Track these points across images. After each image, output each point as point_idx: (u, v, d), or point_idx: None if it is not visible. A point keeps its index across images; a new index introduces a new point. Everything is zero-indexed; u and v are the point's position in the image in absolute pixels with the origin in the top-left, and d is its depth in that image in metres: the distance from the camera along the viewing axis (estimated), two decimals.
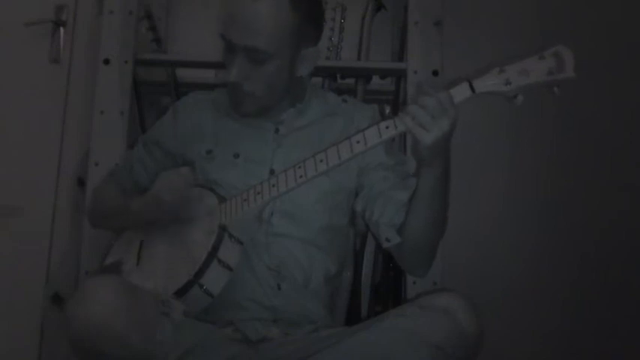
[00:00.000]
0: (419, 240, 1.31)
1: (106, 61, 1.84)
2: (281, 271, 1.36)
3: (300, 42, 1.35)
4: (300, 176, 1.27)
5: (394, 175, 1.39)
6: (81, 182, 2.02)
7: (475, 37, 2.18)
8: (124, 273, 1.39)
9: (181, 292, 1.25)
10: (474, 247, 2.10)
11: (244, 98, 1.38)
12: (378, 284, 1.80)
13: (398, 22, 2.14)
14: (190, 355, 1.16)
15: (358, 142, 1.23)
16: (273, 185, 1.29)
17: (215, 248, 1.27)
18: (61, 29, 2.12)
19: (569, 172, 2.15)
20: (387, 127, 1.21)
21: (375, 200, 1.37)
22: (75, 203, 2.04)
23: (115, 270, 1.41)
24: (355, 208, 1.43)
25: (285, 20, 1.31)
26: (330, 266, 1.42)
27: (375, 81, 2.09)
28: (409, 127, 1.16)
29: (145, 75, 2.03)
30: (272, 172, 1.38)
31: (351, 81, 2.04)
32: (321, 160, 1.26)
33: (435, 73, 1.81)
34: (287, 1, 1.31)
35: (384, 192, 1.37)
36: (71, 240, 2.00)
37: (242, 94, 1.37)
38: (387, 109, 2.14)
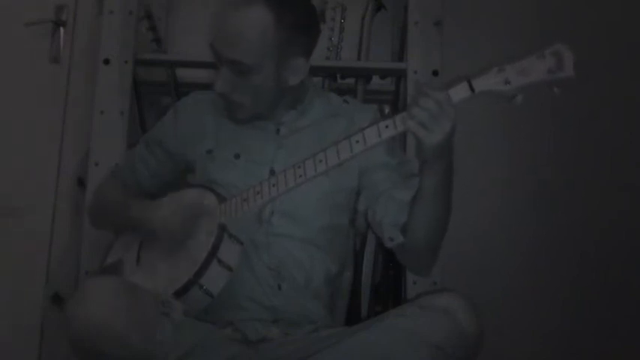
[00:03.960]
0: (422, 239, 1.31)
1: (106, 61, 1.84)
2: (281, 271, 1.36)
3: (286, 54, 1.34)
4: (300, 176, 1.27)
5: (396, 174, 1.39)
6: (81, 182, 2.02)
7: (475, 37, 2.18)
8: (124, 273, 1.39)
9: (181, 292, 1.25)
10: (473, 246, 2.10)
11: (234, 107, 1.39)
12: (378, 284, 1.80)
13: (398, 22, 2.14)
14: (190, 355, 1.16)
15: (357, 141, 1.23)
16: (273, 185, 1.29)
17: (215, 248, 1.27)
18: (61, 29, 2.12)
19: (569, 171, 2.15)
20: (386, 127, 1.21)
21: (377, 200, 1.37)
22: (75, 203, 2.04)
23: (115, 270, 1.41)
24: (358, 208, 1.44)
25: (267, 33, 1.30)
26: (330, 266, 1.42)
27: (375, 81, 2.09)
28: (411, 128, 1.16)
29: (145, 75, 2.03)
30: (272, 172, 1.38)
31: (351, 81, 2.04)
32: (321, 160, 1.25)
33: (435, 73, 1.80)
34: (271, 15, 1.30)
35: (386, 192, 1.37)
36: (71, 240, 2.00)
37: (231, 104, 1.38)
38: (387, 109, 2.14)
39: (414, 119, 1.16)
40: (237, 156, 1.42)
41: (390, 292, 1.84)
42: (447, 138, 1.16)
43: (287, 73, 1.36)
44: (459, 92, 1.17)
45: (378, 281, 1.79)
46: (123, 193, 1.52)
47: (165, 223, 1.33)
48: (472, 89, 1.17)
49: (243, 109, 1.38)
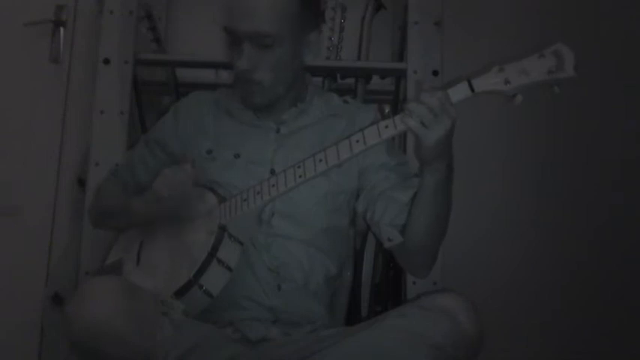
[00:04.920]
0: (421, 240, 1.31)
1: (106, 61, 1.84)
2: (281, 271, 1.36)
3: (303, 26, 1.36)
4: (300, 176, 1.27)
5: (395, 175, 1.39)
6: (81, 182, 2.02)
7: (475, 37, 2.18)
8: (124, 273, 1.39)
9: (181, 293, 1.25)
10: (473, 246, 2.10)
11: (254, 89, 1.37)
12: (378, 284, 1.80)
13: (398, 22, 2.14)
14: (190, 355, 1.16)
15: (357, 141, 1.23)
16: (273, 185, 1.29)
17: (215, 248, 1.27)
18: (61, 29, 2.11)
19: (569, 170, 2.15)
20: (386, 127, 1.21)
21: (377, 201, 1.37)
22: (75, 203, 2.04)
23: (115, 270, 1.41)
24: (357, 208, 1.44)
25: (286, 3, 1.32)
26: (330, 267, 1.42)
27: (375, 81, 2.09)
28: (411, 126, 1.16)
29: (145, 75, 2.03)
30: (272, 172, 1.38)
31: (351, 81, 2.03)
32: (321, 160, 1.26)
33: (435, 73, 1.80)
34: None
35: (385, 192, 1.37)
36: (71, 240, 2.00)
37: (251, 85, 1.37)
38: (387, 109, 2.14)
39: (413, 116, 1.16)
40: (237, 156, 1.42)
41: (390, 292, 1.84)
42: (447, 136, 1.16)
43: (304, 49, 1.38)
44: (459, 92, 1.17)
45: (378, 281, 1.79)
46: (123, 193, 1.52)
47: (163, 193, 1.34)
48: (472, 89, 1.17)
49: (263, 91, 1.37)
